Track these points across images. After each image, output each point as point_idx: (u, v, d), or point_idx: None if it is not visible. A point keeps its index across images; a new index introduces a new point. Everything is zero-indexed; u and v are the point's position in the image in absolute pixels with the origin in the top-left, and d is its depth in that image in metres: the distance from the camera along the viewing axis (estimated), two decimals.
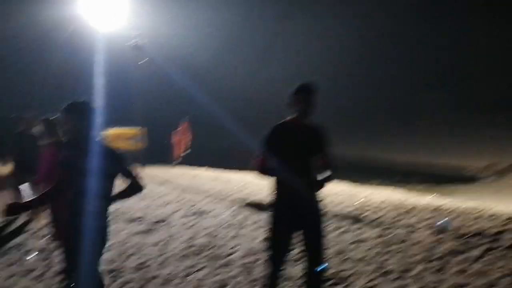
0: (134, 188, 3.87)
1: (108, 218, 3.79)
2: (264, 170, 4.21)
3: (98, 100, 18.61)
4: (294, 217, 4.11)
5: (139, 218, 8.43)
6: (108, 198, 3.73)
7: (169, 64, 21.45)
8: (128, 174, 3.84)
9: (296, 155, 4.13)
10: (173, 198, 10.53)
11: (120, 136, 19.13)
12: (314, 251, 4.15)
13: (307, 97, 4.15)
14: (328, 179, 4.24)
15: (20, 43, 25.59)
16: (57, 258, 5.58)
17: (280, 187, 4.18)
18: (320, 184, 4.19)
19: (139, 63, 17.88)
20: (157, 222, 8.20)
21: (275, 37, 25.78)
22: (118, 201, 3.87)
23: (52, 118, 5.04)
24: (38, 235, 7.12)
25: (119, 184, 3.87)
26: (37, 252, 6.37)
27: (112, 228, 7.59)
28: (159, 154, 18.68)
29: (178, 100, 23.15)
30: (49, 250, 6.08)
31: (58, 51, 24.49)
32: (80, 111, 3.59)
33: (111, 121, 19.15)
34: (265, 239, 4.31)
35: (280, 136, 4.17)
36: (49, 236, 5.75)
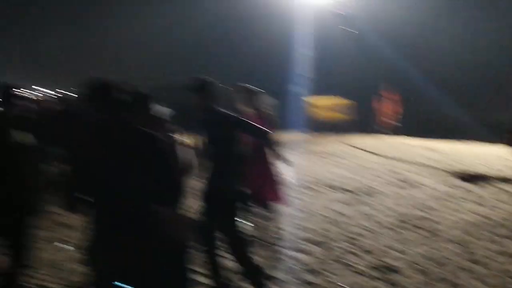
0: (259, 135, 4.19)
1: (240, 180, 4.02)
2: None
3: (305, 70, 19.11)
4: None
5: (343, 186, 8.32)
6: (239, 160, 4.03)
7: (377, 35, 20.98)
8: (252, 129, 4.04)
9: None
10: (378, 167, 10.19)
11: (329, 106, 19.41)
12: None
13: None
14: None
15: (228, 22, 27.19)
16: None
17: None
18: None
19: (347, 34, 17.82)
20: (363, 191, 7.98)
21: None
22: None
23: (251, 87, 5.11)
24: None
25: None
26: None
27: (313, 195, 7.67)
28: (363, 123, 18.42)
29: (385, 70, 22.42)
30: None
31: (266, 24, 25.43)
32: (200, 88, 3.89)
33: (318, 91, 19.51)
34: None
35: None
36: None
